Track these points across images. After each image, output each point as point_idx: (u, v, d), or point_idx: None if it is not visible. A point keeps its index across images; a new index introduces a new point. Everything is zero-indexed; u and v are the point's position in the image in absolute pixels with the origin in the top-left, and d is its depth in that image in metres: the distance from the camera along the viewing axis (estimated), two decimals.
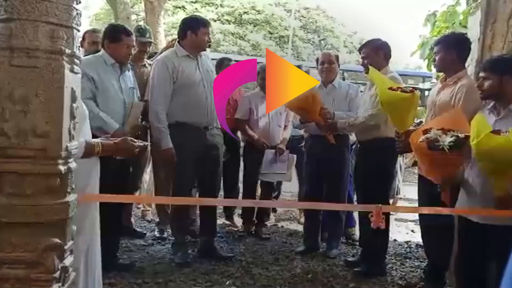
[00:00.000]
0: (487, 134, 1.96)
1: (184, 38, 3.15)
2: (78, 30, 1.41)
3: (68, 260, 1.48)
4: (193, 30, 3.11)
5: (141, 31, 3.67)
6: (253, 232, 3.98)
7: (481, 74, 2.26)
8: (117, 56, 2.93)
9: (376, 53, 3.13)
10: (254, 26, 18.09)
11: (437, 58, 2.74)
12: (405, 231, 4.53)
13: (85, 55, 2.95)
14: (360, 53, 3.24)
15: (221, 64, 4.02)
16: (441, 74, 3.18)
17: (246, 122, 3.85)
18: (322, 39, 19.58)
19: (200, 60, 3.18)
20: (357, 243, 3.63)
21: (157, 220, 3.93)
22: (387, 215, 3.06)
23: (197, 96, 3.08)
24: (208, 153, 3.13)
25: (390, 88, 2.56)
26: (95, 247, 1.99)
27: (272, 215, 4.40)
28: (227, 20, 17.77)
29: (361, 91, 3.68)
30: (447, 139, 2.04)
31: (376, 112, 2.98)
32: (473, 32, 3.01)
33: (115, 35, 2.94)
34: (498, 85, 2.17)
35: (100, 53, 2.98)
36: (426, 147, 2.12)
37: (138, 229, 3.84)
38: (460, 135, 2.06)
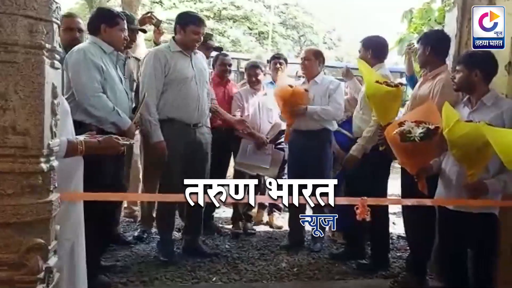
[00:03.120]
0: (457, 122, 2.07)
1: (176, 34, 3.10)
2: (58, 24, 1.38)
3: (52, 261, 1.45)
4: (182, 27, 3.06)
5: (128, 18, 3.18)
6: (241, 232, 3.89)
7: (456, 68, 2.37)
8: (114, 41, 2.69)
9: (366, 49, 3.16)
10: (234, 22, 18.02)
11: (418, 54, 2.81)
12: None
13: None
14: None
15: (216, 59, 4.01)
16: (419, 70, 3.25)
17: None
18: (302, 35, 19.66)
19: (194, 58, 3.14)
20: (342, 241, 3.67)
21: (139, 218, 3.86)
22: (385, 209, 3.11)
23: (188, 93, 3.04)
24: (196, 151, 3.11)
25: (377, 82, 2.62)
26: (79, 248, 1.94)
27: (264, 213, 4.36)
28: (206, 16, 17.58)
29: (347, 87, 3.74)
30: (418, 131, 2.17)
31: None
32: (450, 28, 3.07)
33: (111, 18, 2.68)
34: (468, 78, 2.28)
35: (92, 41, 2.68)
36: (398, 138, 2.23)
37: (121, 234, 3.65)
38: (430, 126, 2.18)
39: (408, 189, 2.76)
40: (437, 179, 2.45)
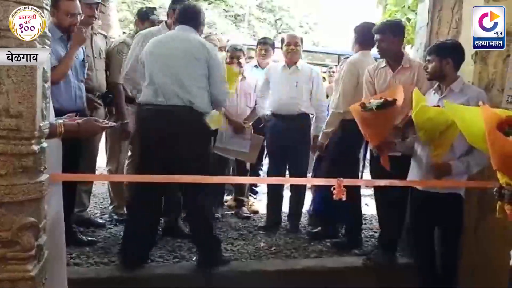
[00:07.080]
0: (423, 106, 2.25)
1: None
2: (48, 10, 1.41)
3: (43, 239, 1.51)
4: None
5: None
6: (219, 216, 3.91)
7: (427, 57, 2.51)
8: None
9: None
10: (209, 4, 17.79)
11: (381, 44, 2.86)
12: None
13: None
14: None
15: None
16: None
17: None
18: (278, 19, 19.63)
19: None
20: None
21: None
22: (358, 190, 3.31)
23: None
24: None
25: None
26: (60, 228, 1.96)
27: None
28: None
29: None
30: (376, 101, 2.43)
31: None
32: (422, 18, 3.20)
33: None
34: (439, 67, 2.43)
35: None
36: (360, 109, 2.47)
37: (97, 218, 3.64)
38: (388, 99, 2.41)
39: (376, 170, 2.93)
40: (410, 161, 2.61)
